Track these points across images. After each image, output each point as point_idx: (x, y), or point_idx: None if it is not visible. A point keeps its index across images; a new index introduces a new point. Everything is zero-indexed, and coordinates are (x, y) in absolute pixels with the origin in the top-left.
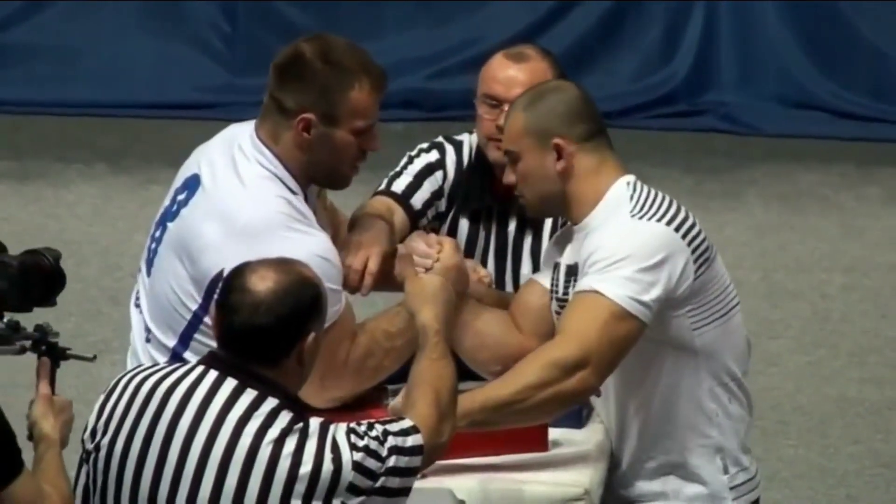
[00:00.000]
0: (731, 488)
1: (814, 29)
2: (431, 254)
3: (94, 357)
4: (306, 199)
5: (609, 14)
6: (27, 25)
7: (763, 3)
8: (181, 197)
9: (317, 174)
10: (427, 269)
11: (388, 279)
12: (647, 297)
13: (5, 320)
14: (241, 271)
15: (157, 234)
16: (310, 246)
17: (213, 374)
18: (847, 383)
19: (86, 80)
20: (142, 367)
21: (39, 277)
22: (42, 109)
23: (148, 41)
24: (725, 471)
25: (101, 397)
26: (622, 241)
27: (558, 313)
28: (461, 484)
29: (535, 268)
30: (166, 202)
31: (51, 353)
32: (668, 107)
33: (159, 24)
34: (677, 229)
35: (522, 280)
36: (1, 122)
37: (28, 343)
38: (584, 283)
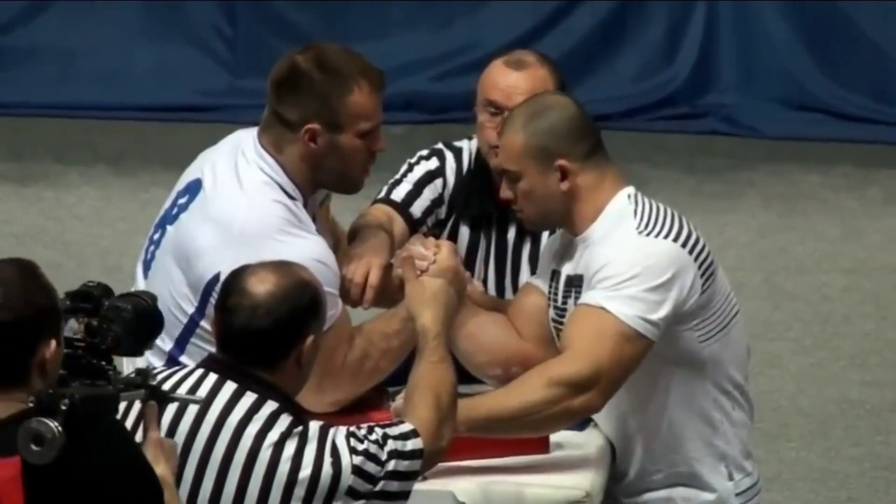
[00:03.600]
0: (737, 494)
1: (815, 30)
2: (428, 255)
3: (202, 398)
4: (305, 206)
5: (611, 16)
6: (28, 28)
7: (764, 4)
8: (182, 200)
9: (329, 181)
10: (423, 271)
11: (386, 295)
12: (655, 316)
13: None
14: (240, 274)
15: (157, 236)
16: (307, 250)
17: (212, 377)
18: (848, 385)
19: (87, 83)
20: None
21: (146, 320)
22: (43, 111)
23: (149, 43)
24: (731, 477)
25: None
26: (631, 259)
27: (556, 321)
28: (462, 486)
29: (534, 273)
30: (167, 205)
31: (155, 395)
32: (669, 108)
33: (160, 26)
34: (684, 245)
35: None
36: (2, 124)
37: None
38: (591, 297)
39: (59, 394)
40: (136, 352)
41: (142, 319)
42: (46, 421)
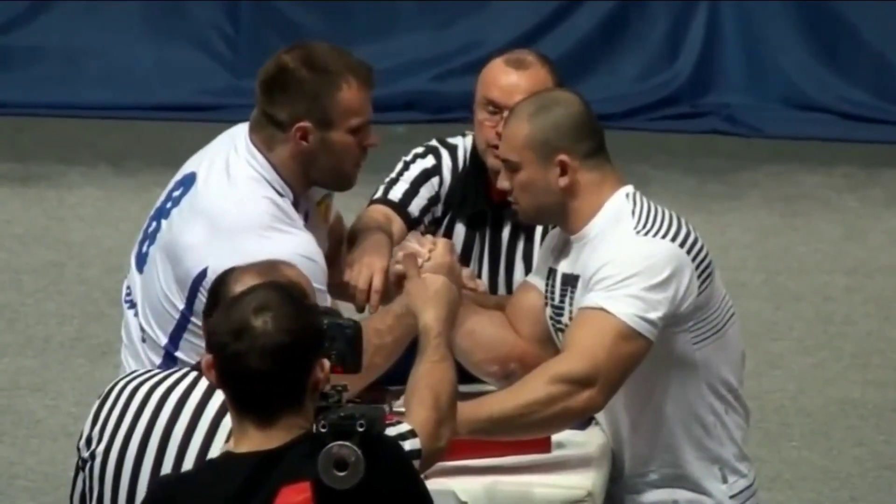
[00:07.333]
0: (732, 497)
1: (817, 30)
2: (423, 252)
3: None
4: (296, 205)
5: (612, 15)
6: (30, 28)
7: (766, 4)
8: (176, 193)
9: (322, 178)
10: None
11: (388, 298)
12: (653, 315)
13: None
14: (224, 280)
15: (150, 229)
16: (294, 246)
17: (205, 381)
18: (850, 385)
19: (89, 82)
20: (135, 374)
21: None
22: (45, 111)
23: (151, 43)
24: (724, 480)
25: (96, 404)
26: (629, 259)
27: (553, 319)
28: (464, 485)
29: (528, 272)
30: (161, 197)
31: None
32: (671, 108)
33: (162, 26)
34: (682, 245)
35: (515, 284)
36: (4, 124)
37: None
38: (590, 299)
39: (349, 416)
40: (356, 369)
41: (360, 338)
42: (348, 445)
